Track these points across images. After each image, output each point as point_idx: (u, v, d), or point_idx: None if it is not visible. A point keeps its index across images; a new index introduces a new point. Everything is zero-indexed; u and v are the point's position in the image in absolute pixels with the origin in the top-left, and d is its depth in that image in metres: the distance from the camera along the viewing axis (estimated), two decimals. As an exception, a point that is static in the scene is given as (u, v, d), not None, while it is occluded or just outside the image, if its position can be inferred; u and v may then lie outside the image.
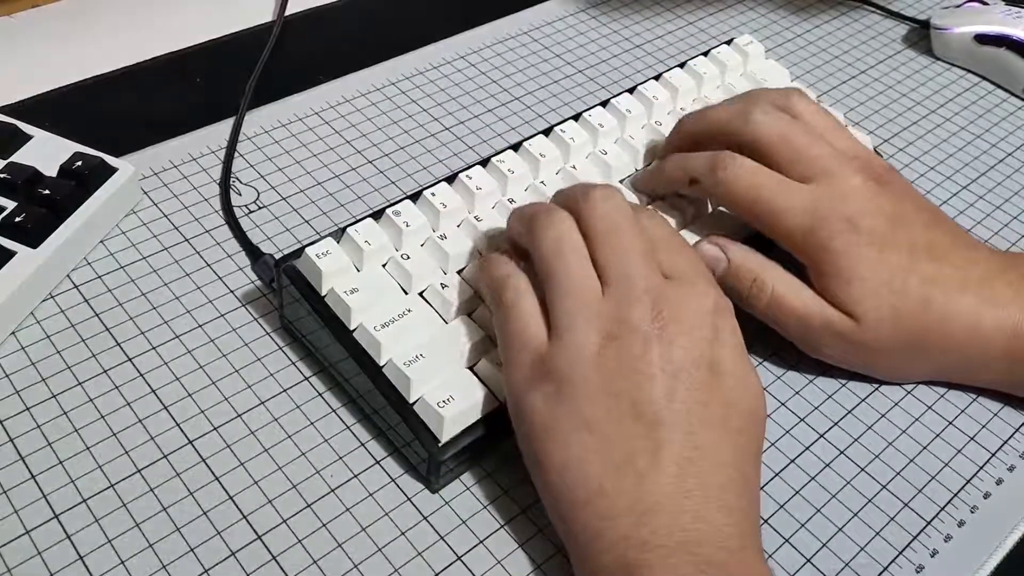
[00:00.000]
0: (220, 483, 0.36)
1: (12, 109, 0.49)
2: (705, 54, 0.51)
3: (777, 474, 0.38)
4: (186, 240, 0.45)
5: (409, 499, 0.36)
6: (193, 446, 0.37)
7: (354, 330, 0.37)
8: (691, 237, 0.42)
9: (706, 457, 0.31)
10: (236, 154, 0.49)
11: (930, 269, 0.38)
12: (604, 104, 0.47)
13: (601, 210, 0.35)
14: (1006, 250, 0.48)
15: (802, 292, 0.39)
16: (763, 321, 0.40)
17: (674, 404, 0.32)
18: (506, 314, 0.35)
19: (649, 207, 0.38)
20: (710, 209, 0.43)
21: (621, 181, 0.45)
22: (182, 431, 0.37)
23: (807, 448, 0.39)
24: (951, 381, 0.41)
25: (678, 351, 0.32)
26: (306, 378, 0.40)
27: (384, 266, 0.39)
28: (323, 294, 0.38)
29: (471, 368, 0.37)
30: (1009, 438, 0.40)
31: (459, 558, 0.34)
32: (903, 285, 0.38)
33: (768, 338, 0.43)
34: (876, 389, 0.41)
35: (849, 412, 0.40)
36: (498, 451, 0.37)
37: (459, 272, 0.39)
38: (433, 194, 0.41)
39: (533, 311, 0.35)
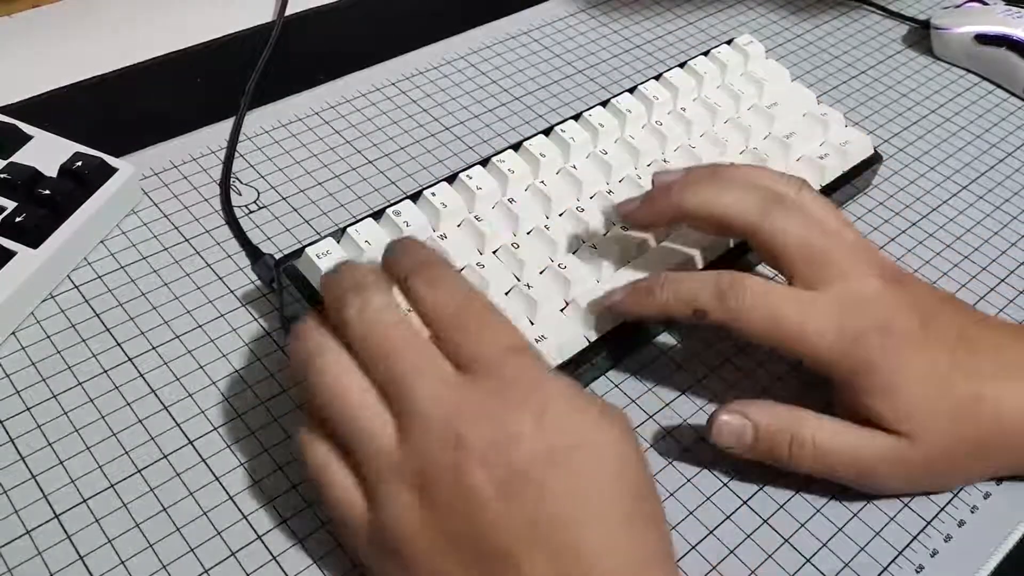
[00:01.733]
0: (220, 483, 0.36)
1: (12, 109, 0.49)
2: (705, 54, 0.51)
3: (777, 474, 0.38)
4: (186, 240, 0.45)
5: (409, 499, 0.36)
6: (193, 446, 0.37)
7: (354, 330, 0.37)
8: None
9: (577, 554, 0.28)
10: (236, 154, 0.49)
11: (970, 361, 0.36)
12: (604, 104, 0.47)
13: (361, 328, 0.30)
14: (1005, 251, 0.48)
15: (845, 431, 0.36)
16: (808, 474, 0.36)
17: (513, 524, 0.28)
18: (318, 488, 0.32)
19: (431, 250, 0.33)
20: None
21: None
22: (182, 431, 0.37)
23: (807, 448, 0.39)
24: (1021, 476, 0.38)
25: (494, 469, 0.28)
26: (306, 378, 0.40)
27: (384, 266, 0.39)
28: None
29: (471, 368, 0.37)
30: (1009, 438, 0.40)
31: (459, 558, 0.34)
32: (950, 386, 0.35)
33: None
34: (876, 389, 0.41)
35: (849, 412, 0.40)
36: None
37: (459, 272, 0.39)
38: (433, 194, 0.41)
39: (342, 479, 0.31)
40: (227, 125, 0.51)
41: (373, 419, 0.30)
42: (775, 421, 0.36)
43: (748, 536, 0.36)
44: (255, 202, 0.47)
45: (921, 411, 0.35)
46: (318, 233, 0.45)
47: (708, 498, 0.37)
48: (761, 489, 0.37)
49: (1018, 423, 0.36)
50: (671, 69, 0.50)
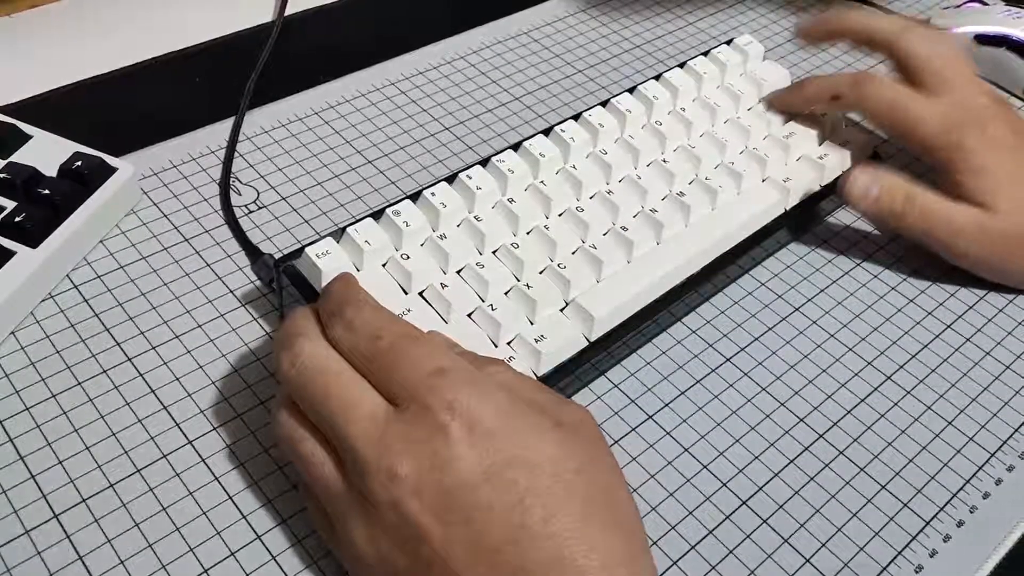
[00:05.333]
0: (220, 483, 0.36)
1: (12, 109, 0.49)
2: (705, 54, 0.51)
3: (776, 474, 0.38)
4: (186, 240, 0.45)
5: (409, 499, 0.36)
6: (192, 446, 0.37)
7: (354, 330, 0.37)
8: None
9: (524, 571, 0.27)
10: (236, 154, 0.49)
11: None
12: (604, 104, 0.47)
13: (296, 379, 0.31)
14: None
15: (944, 199, 0.44)
16: (910, 236, 0.45)
17: (457, 549, 0.28)
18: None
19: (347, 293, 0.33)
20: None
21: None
22: (181, 431, 0.37)
23: (807, 448, 0.39)
24: None
25: (429, 497, 0.28)
26: (306, 378, 0.39)
27: (384, 266, 0.39)
28: (323, 294, 0.38)
29: (471, 368, 0.37)
30: (1008, 438, 0.40)
31: (458, 558, 0.34)
32: None
33: (767, 338, 0.43)
34: (876, 389, 0.41)
35: (849, 412, 0.40)
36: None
37: (459, 272, 0.39)
38: (433, 194, 0.41)
39: (319, 518, 0.33)
40: (227, 125, 0.51)
41: (321, 464, 0.31)
42: (895, 181, 0.44)
43: (748, 536, 0.36)
44: (255, 202, 0.47)
45: (1003, 190, 0.43)
46: (318, 233, 0.45)
47: (708, 498, 0.37)
48: (761, 489, 0.37)
49: None
50: (671, 69, 0.50)
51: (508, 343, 0.38)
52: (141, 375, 0.39)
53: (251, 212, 0.46)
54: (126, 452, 0.36)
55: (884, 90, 0.45)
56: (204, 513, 0.35)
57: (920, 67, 0.45)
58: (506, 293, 0.39)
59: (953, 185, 0.43)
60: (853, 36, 0.48)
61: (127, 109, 0.52)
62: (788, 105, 0.49)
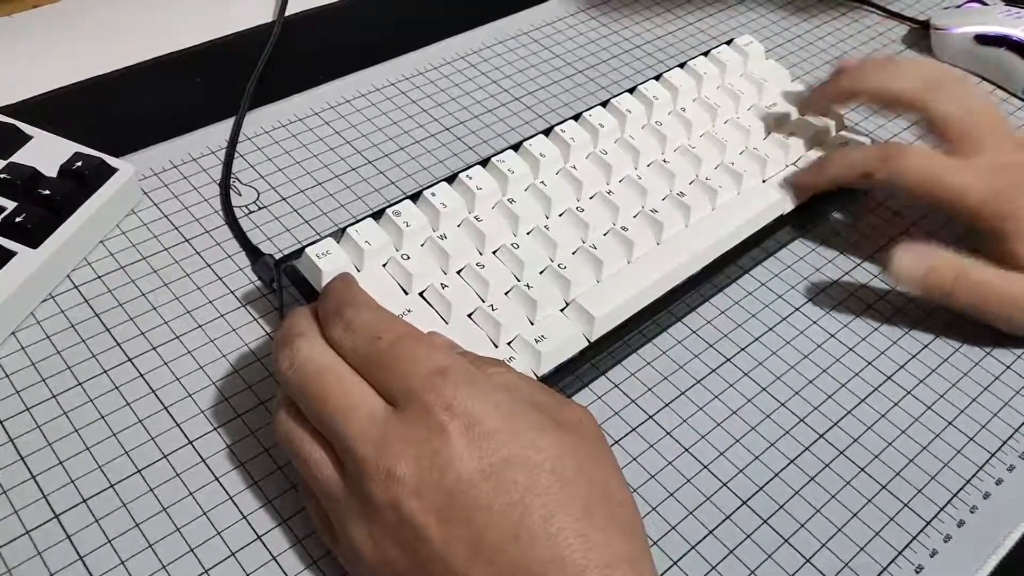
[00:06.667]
0: (220, 483, 0.36)
1: (12, 109, 0.49)
2: (705, 54, 0.51)
3: (777, 474, 0.38)
4: (186, 240, 0.45)
5: (409, 499, 0.36)
6: (193, 446, 0.37)
7: (354, 330, 0.37)
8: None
9: (527, 569, 0.27)
10: (236, 154, 0.49)
11: None
12: (604, 104, 0.47)
13: (294, 379, 0.31)
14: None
15: (998, 272, 0.41)
16: (960, 310, 0.42)
17: (458, 549, 0.28)
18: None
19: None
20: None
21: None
22: (182, 431, 0.37)
23: (807, 448, 0.39)
24: None
25: (428, 497, 0.28)
26: (306, 378, 0.39)
27: (384, 266, 0.39)
28: (323, 294, 0.38)
29: (471, 368, 0.37)
30: (1009, 438, 0.40)
31: (459, 558, 0.34)
32: None
33: (767, 338, 0.43)
34: (876, 390, 0.41)
35: (849, 412, 0.40)
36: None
37: (459, 272, 0.40)
38: (433, 194, 0.41)
39: (323, 517, 0.33)
40: (227, 125, 0.51)
41: (320, 465, 0.31)
42: (943, 259, 0.42)
43: (748, 536, 0.36)
44: (255, 202, 0.47)
45: None
46: (318, 233, 0.45)
47: (708, 498, 0.37)
48: (761, 489, 0.37)
49: None
50: (671, 69, 0.50)
51: (508, 343, 0.38)
52: (142, 375, 0.39)
53: (251, 212, 0.46)
54: (126, 452, 0.36)
55: (919, 162, 0.43)
56: (204, 513, 0.35)
57: (954, 128, 0.43)
58: (506, 293, 0.39)
59: (1004, 253, 0.41)
60: (874, 99, 0.46)
61: (127, 109, 0.52)
62: (813, 185, 0.46)
